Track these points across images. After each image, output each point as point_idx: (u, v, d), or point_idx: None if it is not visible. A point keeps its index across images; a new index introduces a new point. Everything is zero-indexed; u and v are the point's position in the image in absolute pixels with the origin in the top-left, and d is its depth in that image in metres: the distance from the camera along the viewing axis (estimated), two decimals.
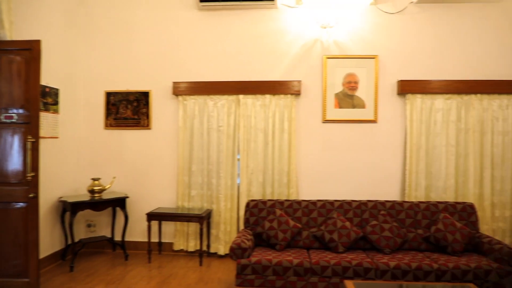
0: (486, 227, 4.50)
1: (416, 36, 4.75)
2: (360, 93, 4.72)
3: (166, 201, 4.92)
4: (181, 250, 4.85)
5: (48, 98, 4.32)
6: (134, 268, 4.33)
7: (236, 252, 3.43)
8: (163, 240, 4.90)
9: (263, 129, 4.74)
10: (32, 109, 3.47)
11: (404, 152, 4.69)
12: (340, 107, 4.74)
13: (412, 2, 4.72)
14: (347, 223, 3.82)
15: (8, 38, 3.50)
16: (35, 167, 3.44)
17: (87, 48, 5.01)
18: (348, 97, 4.73)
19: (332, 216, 3.91)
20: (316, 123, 4.80)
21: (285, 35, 4.85)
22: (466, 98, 4.58)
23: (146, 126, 4.94)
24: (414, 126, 4.58)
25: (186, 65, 4.93)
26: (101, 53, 5.02)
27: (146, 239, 4.66)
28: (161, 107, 4.96)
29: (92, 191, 4.49)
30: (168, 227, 4.90)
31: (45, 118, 4.20)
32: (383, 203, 4.03)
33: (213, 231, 4.78)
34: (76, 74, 4.92)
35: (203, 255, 4.66)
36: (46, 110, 4.26)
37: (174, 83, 4.82)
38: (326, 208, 4.02)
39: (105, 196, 4.56)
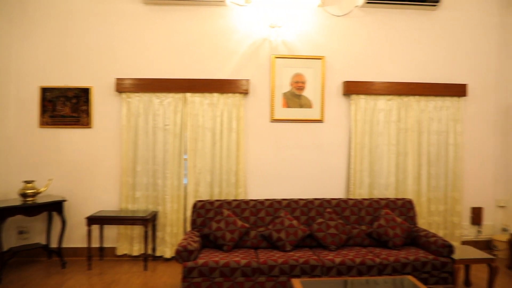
0: (423, 221, 4.77)
1: (361, 39, 4.92)
2: (307, 93, 4.79)
3: (108, 203, 4.66)
4: (125, 255, 4.63)
5: None
6: (73, 276, 4.06)
7: (182, 254, 3.32)
8: (105, 245, 4.64)
9: (211, 128, 4.65)
10: None
11: (348, 151, 4.84)
12: (288, 107, 4.78)
13: (357, 6, 4.88)
14: (295, 222, 3.85)
15: None
16: None
17: (20, 39, 4.62)
18: (295, 96, 4.79)
19: (280, 215, 3.93)
20: (264, 123, 4.80)
21: (234, 33, 4.80)
22: (405, 99, 4.82)
23: (87, 124, 4.66)
24: (358, 126, 4.74)
25: (131, 61, 4.71)
26: (36, 45, 4.64)
27: (86, 245, 4.38)
28: (103, 104, 4.70)
29: (24, 195, 4.14)
30: (111, 231, 4.65)
31: None
32: (329, 201, 4.11)
33: (159, 234, 4.61)
34: (6, 67, 4.52)
35: (148, 259, 4.48)
36: None
37: (118, 79, 4.58)
38: (274, 207, 4.03)
39: (40, 200, 4.22)
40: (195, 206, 4.02)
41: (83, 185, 4.66)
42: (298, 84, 4.78)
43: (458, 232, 4.89)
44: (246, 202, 4.06)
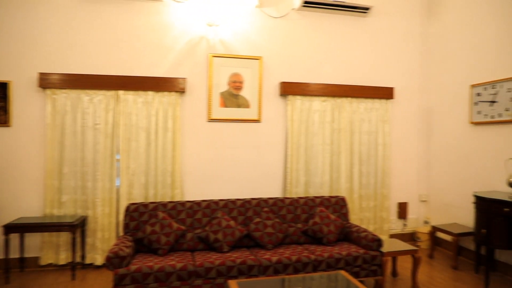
0: (355, 217, 5.01)
1: (298, 41, 5.03)
2: (244, 93, 4.79)
3: (30, 209, 4.27)
4: (50, 265, 4.28)
5: None
6: None
7: (113, 261, 3.13)
8: (26, 255, 4.25)
9: (145, 127, 4.47)
10: None
11: (285, 150, 4.93)
12: (226, 106, 4.74)
13: (294, 9, 4.98)
14: (232, 222, 3.83)
15: None
16: None
17: None
18: (233, 96, 4.76)
19: (217, 216, 3.88)
20: (201, 122, 4.72)
21: (170, 30, 4.65)
22: (339, 100, 5.02)
23: (5, 123, 4.23)
24: (295, 126, 4.85)
25: (57, 55, 4.36)
26: None
27: (2, 256, 3.96)
28: (24, 101, 4.29)
29: None
30: (33, 240, 4.27)
31: None
32: (266, 200, 4.14)
33: (88, 240, 4.33)
34: None
35: (77, 267, 4.19)
36: None
37: (41, 74, 4.21)
38: (211, 208, 3.97)
39: None
40: (128, 209, 3.83)
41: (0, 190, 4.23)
42: (236, 83, 4.77)
43: (386, 226, 5.20)
44: (182, 203, 3.95)
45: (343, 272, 3.07)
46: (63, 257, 4.26)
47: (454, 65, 5.03)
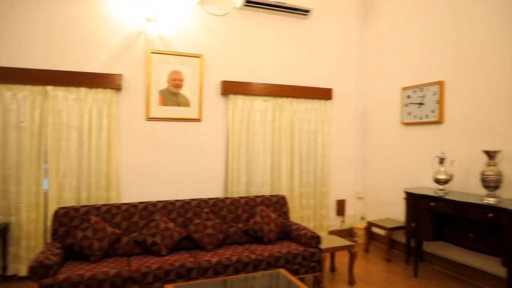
0: (296, 215, 5.09)
1: (240, 40, 5.01)
2: (185, 91, 4.68)
3: None
4: None
5: None
6: None
7: (38, 271, 2.89)
8: None
9: (77, 126, 4.18)
10: None
11: (226, 150, 4.88)
12: (165, 105, 4.59)
13: (235, 8, 4.95)
14: (171, 224, 3.71)
15: None
16: None
17: None
18: (173, 94, 4.63)
19: (155, 218, 3.73)
20: (139, 121, 4.52)
21: (105, 23, 4.39)
22: (280, 100, 5.08)
23: None
24: (236, 125, 4.82)
25: None
26: None
27: None
28: None
29: None
30: None
31: None
32: (206, 200, 4.07)
33: (11, 249, 3.95)
34: None
35: None
36: None
37: None
38: (148, 210, 3.81)
39: None
40: (56, 214, 3.56)
41: None
42: (176, 81, 4.64)
43: (326, 223, 5.35)
44: (118, 206, 3.75)
45: (282, 271, 3.09)
46: None
47: (388, 69, 5.31)
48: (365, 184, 5.76)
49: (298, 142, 5.16)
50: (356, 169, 5.78)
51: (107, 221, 3.63)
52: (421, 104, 4.68)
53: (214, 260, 3.39)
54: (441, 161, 4.09)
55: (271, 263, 3.55)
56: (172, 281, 3.21)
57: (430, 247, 4.56)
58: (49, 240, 3.98)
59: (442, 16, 4.45)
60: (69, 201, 4.11)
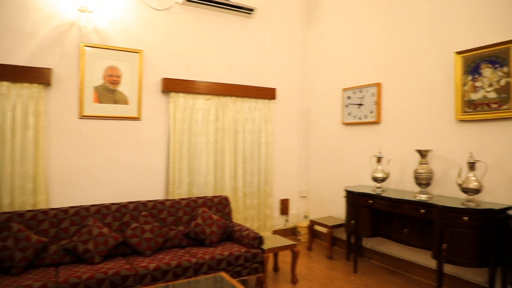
0: (239, 216, 5.04)
1: (182, 37, 4.84)
2: (123, 88, 4.43)
3: None
4: None
5: None
6: None
7: None
8: None
9: None
10: None
11: (168, 150, 4.70)
12: (101, 102, 4.32)
13: (177, 3, 4.78)
14: (105, 229, 3.47)
15: None
16: None
17: None
18: (109, 91, 4.36)
19: (88, 223, 3.47)
20: (71, 119, 4.20)
21: (32, 12, 4.02)
22: (223, 99, 4.99)
23: None
24: (177, 124, 4.65)
25: None
26: None
27: None
28: None
29: None
30: None
31: None
32: (144, 203, 3.87)
33: None
34: None
35: None
36: None
37: None
38: (80, 215, 3.54)
39: None
40: None
41: None
42: (113, 77, 4.37)
43: (270, 222, 5.36)
44: (45, 212, 3.44)
45: (223, 274, 3.00)
46: None
47: (329, 70, 5.43)
48: (308, 183, 5.84)
49: (242, 142, 5.10)
50: (300, 168, 5.85)
51: (32, 229, 3.32)
52: (361, 105, 4.83)
53: (152, 266, 3.22)
54: (379, 160, 4.24)
55: (213, 266, 3.45)
56: None
57: (369, 243, 4.72)
58: None
59: (380, 22, 4.62)
60: None
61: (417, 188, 3.88)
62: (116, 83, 4.39)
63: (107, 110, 4.34)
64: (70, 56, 4.21)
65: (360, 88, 4.82)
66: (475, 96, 3.54)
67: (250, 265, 3.65)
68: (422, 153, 3.76)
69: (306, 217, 5.79)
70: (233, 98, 5.04)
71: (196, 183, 4.75)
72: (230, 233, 4.04)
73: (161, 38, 4.71)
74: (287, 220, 5.72)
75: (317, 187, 5.65)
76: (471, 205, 3.24)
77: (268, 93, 5.32)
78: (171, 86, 4.61)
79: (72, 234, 3.45)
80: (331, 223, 4.87)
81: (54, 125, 4.12)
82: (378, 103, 4.57)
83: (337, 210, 5.17)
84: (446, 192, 3.80)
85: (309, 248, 5.13)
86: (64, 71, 4.18)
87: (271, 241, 4.05)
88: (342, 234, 5.09)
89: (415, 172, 3.77)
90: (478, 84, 3.52)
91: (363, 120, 4.78)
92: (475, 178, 3.30)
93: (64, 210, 3.51)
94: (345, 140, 5.12)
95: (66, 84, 4.19)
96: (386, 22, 4.53)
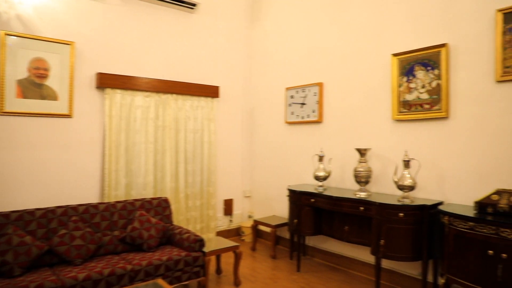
0: (181, 217, 4.85)
1: (119, 30, 4.55)
2: (51, 82, 4.06)
3: None
4: None
5: None
6: None
7: None
8: None
9: None
10: None
11: (103, 149, 4.39)
12: (25, 97, 3.92)
13: None
14: (28, 238, 3.13)
15: None
16: None
17: None
18: (35, 86, 3.97)
19: (7, 232, 3.12)
20: None
21: None
22: (164, 97, 4.77)
23: None
24: (114, 123, 4.36)
25: None
26: None
27: None
28: None
29: None
30: None
31: None
32: (75, 207, 3.57)
33: None
34: None
35: None
36: None
37: None
38: None
39: None
40: None
41: None
42: (39, 71, 3.99)
43: (213, 223, 5.23)
44: None
45: (159, 281, 2.83)
46: None
47: (273, 69, 5.41)
48: (252, 183, 5.80)
49: (184, 141, 4.92)
50: (243, 167, 5.79)
51: None
52: (303, 104, 4.86)
53: (81, 275, 2.96)
54: (320, 158, 4.29)
55: (150, 273, 3.26)
56: None
57: (311, 241, 4.76)
58: None
59: (322, 23, 4.68)
60: None
61: (357, 186, 3.97)
62: (44, 76, 4.01)
63: (33, 107, 3.95)
64: None
65: (303, 87, 4.86)
66: (409, 97, 3.69)
67: (190, 269, 3.50)
68: (362, 152, 3.85)
69: (250, 217, 5.74)
70: (174, 95, 4.84)
71: (135, 185, 4.49)
72: (170, 236, 3.86)
73: (96, 30, 4.39)
74: (231, 221, 5.63)
75: (261, 187, 5.61)
76: (406, 201, 3.36)
77: (211, 91, 5.18)
78: (106, 81, 4.31)
79: None
80: (274, 222, 4.85)
81: None
82: (320, 102, 4.62)
83: (281, 209, 5.17)
84: (384, 189, 3.93)
85: (253, 248, 5.08)
86: None
87: (214, 243, 3.93)
88: (286, 233, 5.09)
89: (355, 170, 3.84)
90: (412, 85, 3.67)
91: (306, 119, 4.82)
92: (409, 175, 3.43)
93: None
94: (289, 139, 5.14)
95: None
96: (328, 23, 4.60)
